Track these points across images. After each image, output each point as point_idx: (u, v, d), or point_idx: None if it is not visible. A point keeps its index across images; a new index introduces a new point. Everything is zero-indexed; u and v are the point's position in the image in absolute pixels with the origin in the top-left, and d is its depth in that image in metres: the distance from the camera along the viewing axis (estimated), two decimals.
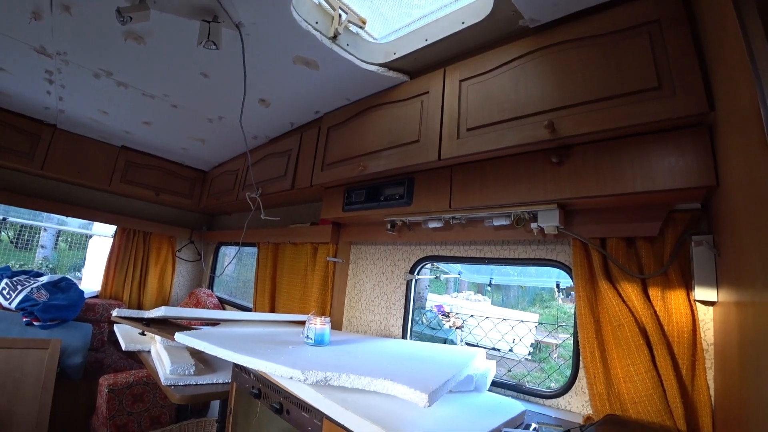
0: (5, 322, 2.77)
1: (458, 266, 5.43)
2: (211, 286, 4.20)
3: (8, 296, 2.94)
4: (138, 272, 3.83)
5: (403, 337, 2.12)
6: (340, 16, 1.80)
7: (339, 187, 2.28)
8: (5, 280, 3.03)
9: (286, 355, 1.39)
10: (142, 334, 2.40)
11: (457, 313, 6.46)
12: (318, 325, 1.69)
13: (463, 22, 1.64)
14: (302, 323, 2.14)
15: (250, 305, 3.25)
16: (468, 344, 4.25)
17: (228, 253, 4.30)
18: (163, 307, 1.96)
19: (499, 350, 5.13)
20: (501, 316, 5.52)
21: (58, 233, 8.31)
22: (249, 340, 1.69)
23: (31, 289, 3.00)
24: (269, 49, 1.82)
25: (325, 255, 2.47)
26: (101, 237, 5.65)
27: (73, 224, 5.19)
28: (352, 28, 1.88)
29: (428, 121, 1.76)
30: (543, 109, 1.38)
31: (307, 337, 1.69)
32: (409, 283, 2.16)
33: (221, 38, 1.67)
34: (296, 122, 2.60)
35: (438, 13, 1.77)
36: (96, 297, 3.60)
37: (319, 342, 1.67)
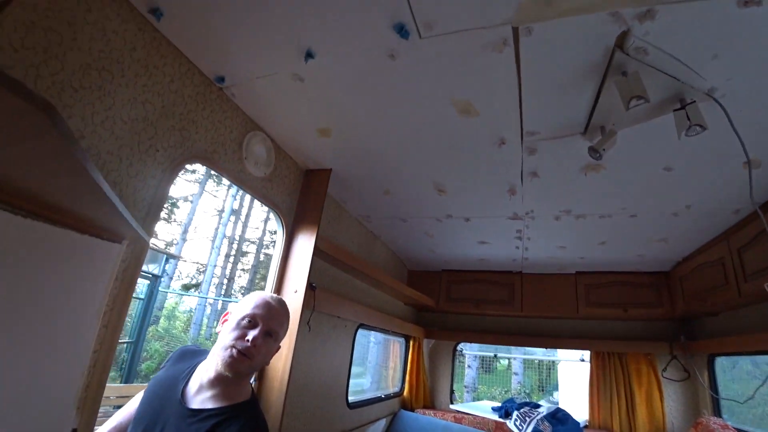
0: None
1: None
2: (718, 413, 3.21)
3: (520, 427, 3.25)
4: (623, 398, 3.44)
5: None
6: None
7: None
8: (515, 412, 3.40)
9: None
10: None
11: None
12: None
13: None
14: None
15: None
16: None
17: (742, 366, 3.29)
18: None
19: None
20: None
21: (524, 361, 9.43)
22: None
23: (537, 420, 3.19)
24: (756, 93, 1.39)
25: None
26: (567, 362, 5.81)
27: (538, 352, 5.67)
28: None
29: None
30: None
31: None
32: None
33: (703, 116, 1.38)
34: None
35: None
36: (586, 427, 3.44)
37: None
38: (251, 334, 1.13)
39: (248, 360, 1.11)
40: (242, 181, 1.82)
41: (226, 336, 1.15)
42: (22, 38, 1.00)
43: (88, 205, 1.05)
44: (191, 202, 18.32)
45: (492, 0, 1.09)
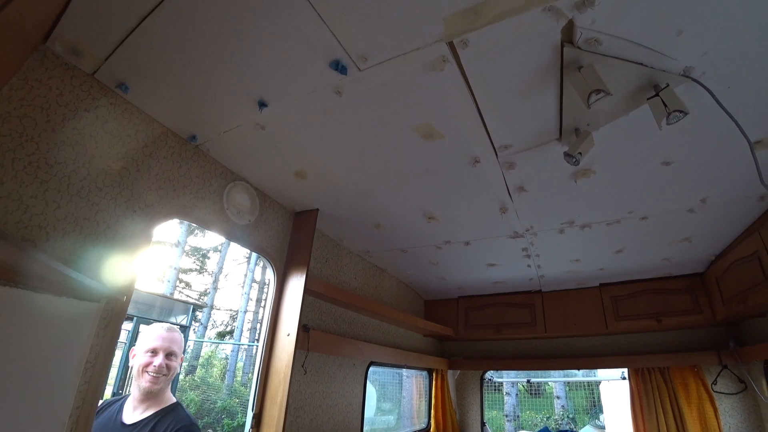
0: None
1: None
2: None
3: None
4: (671, 418, 3.12)
5: None
6: None
7: None
8: None
9: None
10: None
11: None
12: None
13: None
14: None
15: None
16: None
17: None
18: None
19: None
20: None
21: (566, 383, 8.96)
22: None
23: None
24: (743, 63, 1.25)
25: None
26: (609, 381, 5.43)
27: (579, 373, 5.35)
28: None
29: None
30: None
31: None
32: None
33: (681, 99, 1.27)
34: None
35: None
36: None
37: None
38: (156, 361, 1.62)
39: (162, 377, 1.60)
40: (225, 230, 1.84)
41: (139, 365, 1.62)
42: None
43: (57, 274, 1.14)
44: (220, 251, 18.81)
45: (417, 20, 1.07)
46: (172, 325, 1.77)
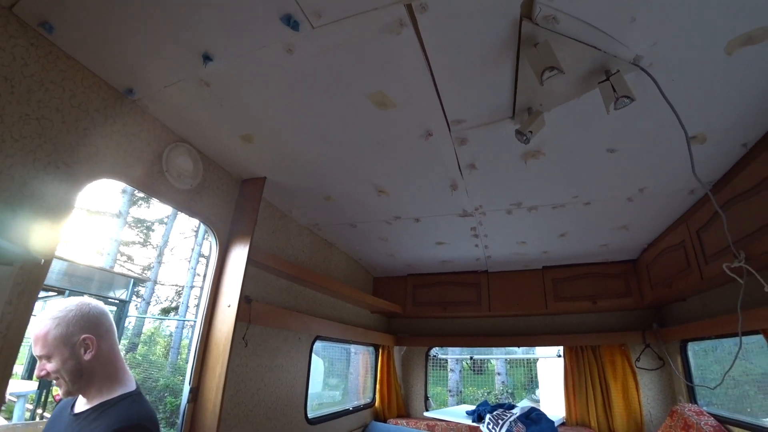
0: None
1: None
2: (694, 399, 3.17)
3: (493, 430, 3.16)
4: (599, 392, 3.38)
5: None
6: None
7: None
8: (488, 416, 3.31)
9: None
10: None
11: None
12: None
13: None
14: None
15: None
16: None
17: (698, 351, 3.26)
18: None
19: None
20: None
21: (507, 360, 9.46)
22: None
23: (510, 422, 3.12)
24: (688, 59, 1.31)
25: None
26: (545, 359, 5.77)
27: (519, 351, 5.64)
28: None
29: None
30: None
31: None
32: None
33: (629, 86, 1.31)
34: (751, 140, 1.79)
35: None
36: (563, 424, 3.38)
37: None
38: (37, 371, 1.31)
39: (58, 383, 1.28)
40: (163, 194, 1.72)
41: None
42: None
43: None
44: (166, 223, 17.93)
45: None
46: (43, 316, 1.33)
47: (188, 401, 1.74)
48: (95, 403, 1.29)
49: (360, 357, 4.01)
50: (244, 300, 1.94)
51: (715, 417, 2.72)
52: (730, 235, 1.91)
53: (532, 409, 3.27)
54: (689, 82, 1.38)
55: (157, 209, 19.01)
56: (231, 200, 2.06)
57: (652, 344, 3.53)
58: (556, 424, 3.22)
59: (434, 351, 4.48)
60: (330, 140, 1.74)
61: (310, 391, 2.67)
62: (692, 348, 3.26)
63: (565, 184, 2.07)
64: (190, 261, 17.10)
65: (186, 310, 15.85)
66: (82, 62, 1.36)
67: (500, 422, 3.18)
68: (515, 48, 1.23)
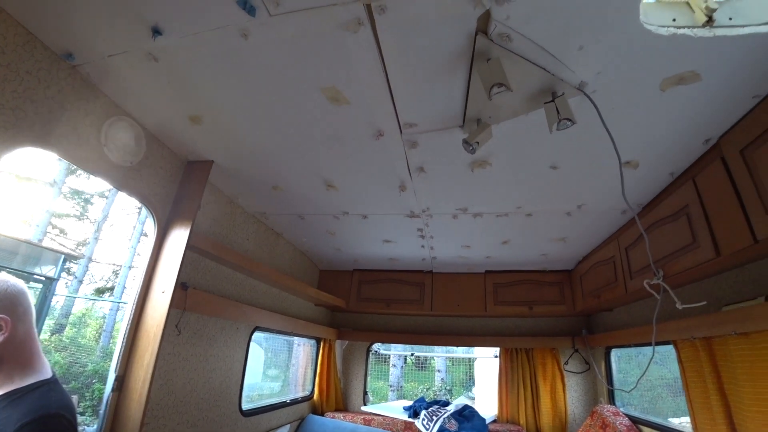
0: None
1: None
2: (612, 401, 3.45)
3: (427, 426, 3.27)
4: (529, 392, 3.59)
5: None
6: None
7: None
8: (423, 412, 3.42)
9: None
10: None
11: None
12: None
13: None
14: None
15: (688, 427, 2.32)
16: None
17: (623, 357, 3.53)
18: None
19: None
20: None
21: (447, 358, 9.77)
22: None
23: (444, 419, 3.25)
24: (627, 90, 1.41)
25: None
26: (483, 359, 6.00)
27: (459, 350, 5.84)
28: None
29: None
30: None
31: None
32: None
33: (571, 110, 1.39)
34: (677, 170, 1.96)
35: None
36: (494, 421, 3.55)
37: None
38: None
39: None
40: (100, 169, 1.62)
41: None
42: None
43: None
44: (107, 197, 16.83)
45: None
46: None
47: (113, 389, 1.65)
48: (4, 391, 1.16)
49: (302, 349, 3.98)
50: (181, 286, 1.87)
51: (629, 417, 2.97)
52: (651, 254, 2.08)
53: (466, 407, 3.41)
54: (627, 111, 1.48)
55: (97, 181, 17.80)
56: (174, 181, 1.98)
57: (581, 349, 3.79)
58: (487, 422, 3.38)
59: (376, 346, 4.54)
60: (281, 129, 1.71)
61: (248, 382, 2.62)
62: (615, 354, 3.53)
63: (510, 195, 2.16)
64: (131, 239, 16.16)
65: (123, 292, 14.98)
66: (14, 15, 1.24)
67: (434, 418, 3.28)
68: (469, 60, 1.27)
